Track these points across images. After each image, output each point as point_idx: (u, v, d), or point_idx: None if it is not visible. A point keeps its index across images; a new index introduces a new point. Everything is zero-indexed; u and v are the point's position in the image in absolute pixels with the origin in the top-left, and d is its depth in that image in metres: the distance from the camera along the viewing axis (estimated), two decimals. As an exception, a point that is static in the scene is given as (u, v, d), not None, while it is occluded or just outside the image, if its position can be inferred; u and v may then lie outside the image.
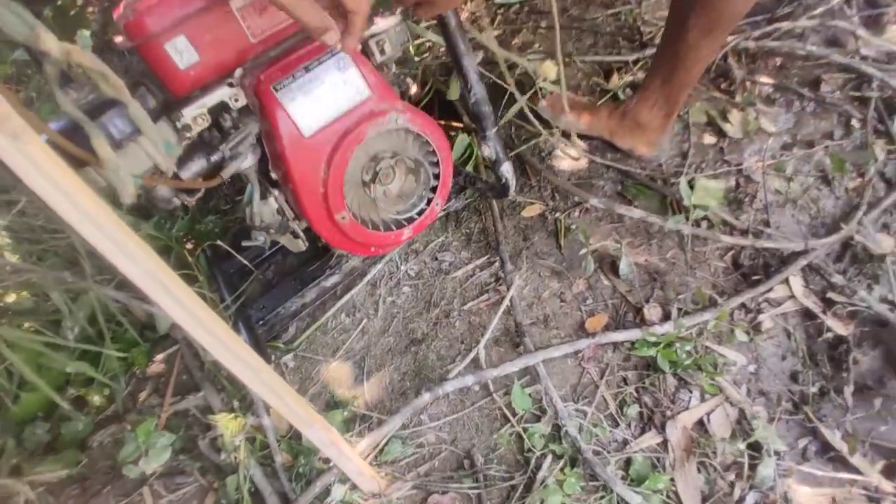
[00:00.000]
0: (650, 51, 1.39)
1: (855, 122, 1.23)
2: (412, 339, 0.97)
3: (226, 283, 1.10)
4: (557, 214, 1.11)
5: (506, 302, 0.96)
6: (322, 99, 0.78)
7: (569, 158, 1.20)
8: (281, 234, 0.89)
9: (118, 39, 0.67)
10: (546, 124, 1.19)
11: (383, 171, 0.84)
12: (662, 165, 1.17)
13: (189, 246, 1.12)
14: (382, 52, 0.82)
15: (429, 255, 1.08)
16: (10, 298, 0.99)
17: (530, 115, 1.09)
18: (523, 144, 1.23)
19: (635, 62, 1.39)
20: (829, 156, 1.17)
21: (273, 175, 0.87)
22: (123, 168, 0.55)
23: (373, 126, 0.81)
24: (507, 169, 0.91)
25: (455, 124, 1.27)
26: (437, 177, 0.92)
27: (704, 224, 1.08)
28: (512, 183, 0.92)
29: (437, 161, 0.90)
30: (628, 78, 1.37)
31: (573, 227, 1.08)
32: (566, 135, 1.22)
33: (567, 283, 1.01)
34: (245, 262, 1.09)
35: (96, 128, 0.52)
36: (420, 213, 0.92)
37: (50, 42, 0.45)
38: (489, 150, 0.89)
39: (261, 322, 0.98)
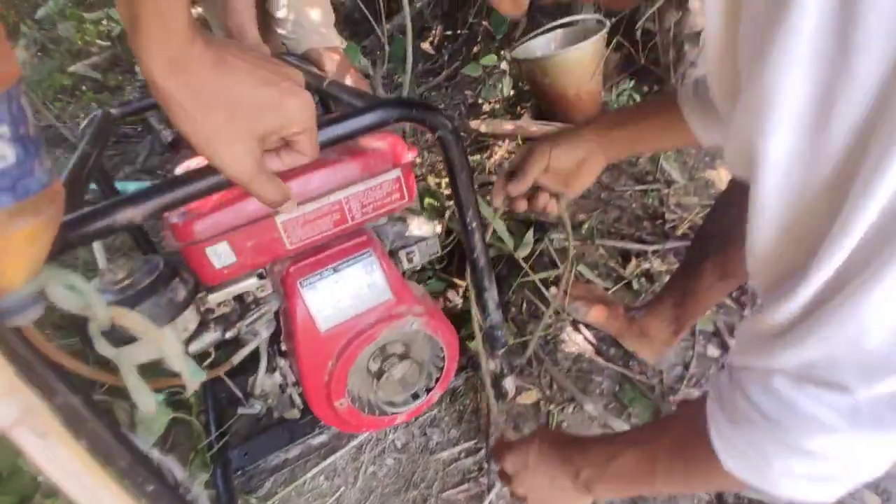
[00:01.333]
0: (671, 243, 1.44)
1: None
2: (385, 522, 0.96)
3: (215, 408, 1.11)
4: (552, 406, 1.12)
5: (486, 502, 0.95)
6: (344, 298, 0.82)
7: (573, 345, 1.23)
8: (279, 405, 0.90)
9: (165, 236, 0.72)
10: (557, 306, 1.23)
11: (389, 368, 0.87)
12: (664, 373, 1.18)
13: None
14: (410, 261, 0.86)
15: (418, 427, 1.09)
16: None
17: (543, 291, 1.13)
18: (530, 320, 1.26)
19: (654, 252, 1.44)
20: None
21: (283, 346, 0.90)
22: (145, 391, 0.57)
23: (388, 328, 0.84)
24: (509, 382, 0.93)
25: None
26: (440, 369, 0.94)
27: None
28: (511, 392, 0.94)
29: (444, 358, 0.93)
30: (645, 266, 1.41)
31: (564, 424, 1.08)
32: (575, 322, 1.25)
33: (549, 490, 1.00)
34: (239, 393, 1.11)
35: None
36: (416, 399, 0.94)
37: (100, 311, 0.49)
38: (495, 365, 0.92)
39: (239, 472, 0.99)
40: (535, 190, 0.82)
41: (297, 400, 0.95)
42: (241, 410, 0.91)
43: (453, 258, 1.41)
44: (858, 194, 0.30)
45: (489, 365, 0.93)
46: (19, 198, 0.39)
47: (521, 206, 0.82)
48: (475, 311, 0.85)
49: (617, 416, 1.09)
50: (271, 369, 0.89)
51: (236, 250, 0.72)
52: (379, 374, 0.87)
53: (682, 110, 0.74)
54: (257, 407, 0.90)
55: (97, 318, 0.49)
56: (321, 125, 0.59)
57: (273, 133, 0.47)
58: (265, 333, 0.85)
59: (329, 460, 1.03)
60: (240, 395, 1.08)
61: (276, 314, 0.87)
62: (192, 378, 0.59)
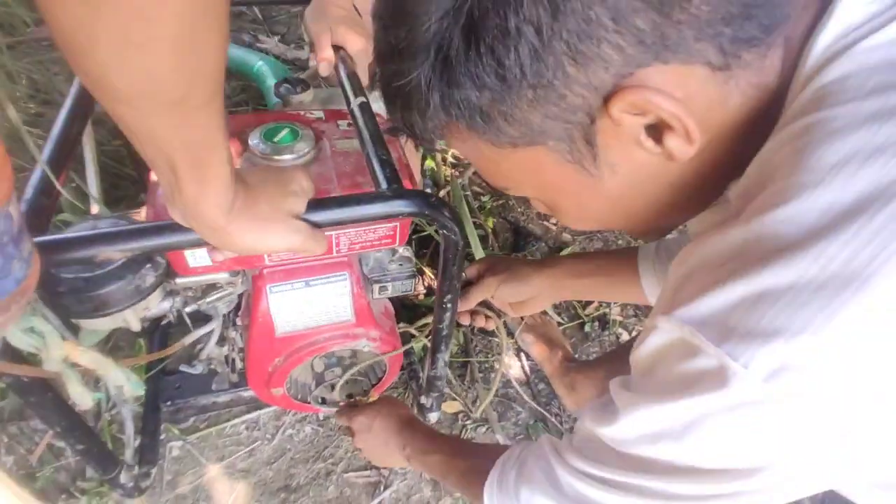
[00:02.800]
0: (634, 296, 1.49)
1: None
2: (287, 486, 1.06)
3: (161, 331, 1.14)
4: (468, 422, 1.21)
5: (379, 498, 1.06)
6: (307, 312, 0.83)
7: (509, 371, 1.30)
8: (220, 378, 0.94)
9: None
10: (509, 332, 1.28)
11: (331, 377, 0.91)
12: (577, 422, 1.28)
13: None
14: (382, 293, 0.87)
15: (344, 406, 1.16)
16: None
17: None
18: (478, 335, 1.32)
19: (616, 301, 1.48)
20: None
21: (238, 321, 0.92)
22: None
23: (341, 345, 0.87)
24: (433, 416, 1.00)
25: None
26: (379, 379, 1.00)
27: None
28: (433, 422, 1.01)
29: (385, 371, 0.98)
30: (604, 310, 1.46)
31: (474, 441, 1.18)
32: (520, 349, 1.31)
33: (437, 497, 1.12)
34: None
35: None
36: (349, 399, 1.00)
37: (55, 351, 0.50)
38: (427, 400, 0.97)
39: (169, 402, 1.05)
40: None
41: (239, 364, 0.99)
42: (182, 368, 0.95)
43: (429, 245, 1.42)
44: None
45: (421, 398, 0.99)
46: (-4, 299, 0.38)
47: (465, 319, 0.96)
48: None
49: (521, 450, 1.19)
50: (221, 340, 0.91)
51: (214, 258, 0.71)
52: (320, 378, 0.91)
53: (639, 269, 0.77)
54: (199, 368, 0.94)
55: (52, 357, 0.50)
56: (330, 204, 0.58)
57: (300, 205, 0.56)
58: (224, 311, 0.87)
59: (254, 414, 1.10)
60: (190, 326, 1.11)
61: (240, 295, 0.88)
62: (133, 390, 0.62)
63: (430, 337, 0.84)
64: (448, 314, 0.76)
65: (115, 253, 0.52)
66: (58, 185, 0.56)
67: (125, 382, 0.60)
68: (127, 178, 1.54)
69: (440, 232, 0.65)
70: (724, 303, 0.31)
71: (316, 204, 0.57)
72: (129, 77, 0.32)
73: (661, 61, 0.32)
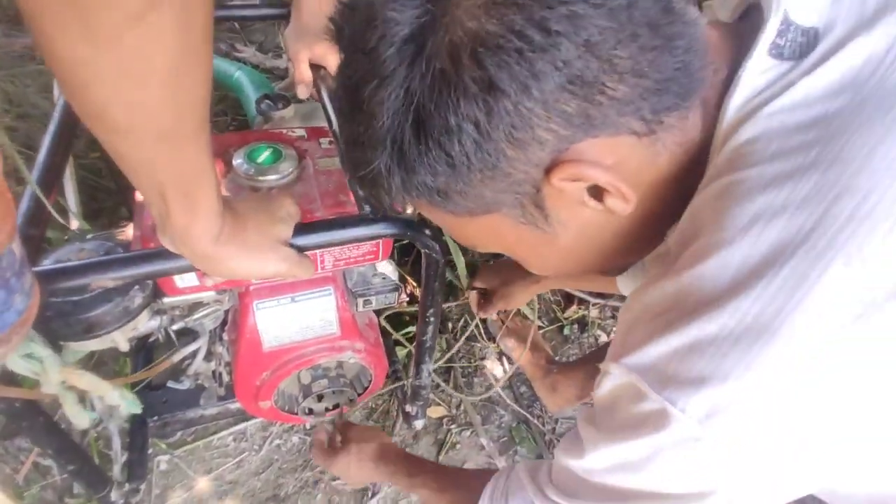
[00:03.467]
0: (613, 301, 1.53)
1: None
2: (275, 495, 1.07)
3: (147, 346, 1.15)
4: (453, 426, 1.24)
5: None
6: (293, 326, 0.85)
7: (492, 375, 1.33)
8: (207, 394, 0.96)
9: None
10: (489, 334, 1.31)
11: (318, 389, 0.93)
12: (557, 423, 1.32)
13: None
14: (366, 306, 0.90)
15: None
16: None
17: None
18: (459, 339, 1.35)
19: (595, 303, 1.53)
20: None
21: (225, 335, 0.94)
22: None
23: (327, 358, 0.89)
24: (419, 423, 1.03)
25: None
26: (364, 388, 1.02)
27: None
28: (418, 429, 1.04)
29: (370, 380, 1.00)
30: (583, 312, 1.50)
31: (458, 446, 1.21)
32: (502, 353, 1.34)
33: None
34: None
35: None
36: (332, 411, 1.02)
37: (53, 375, 0.51)
38: (411, 409, 1.00)
39: (155, 417, 1.05)
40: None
41: (226, 378, 1.00)
42: (170, 384, 0.96)
43: (411, 253, 1.44)
44: None
45: (406, 406, 1.01)
46: (-2, 333, 0.40)
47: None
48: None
49: (503, 452, 1.23)
50: (208, 356, 0.93)
51: (202, 279, 0.73)
52: (307, 390, 0.93)
53: None
54: (186, 384, 0.95)
55: (51, 381, 0.51)
56: (316, 228, 0.60)
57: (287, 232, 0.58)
58: (211, 326, 0.88)
59: (241, 426, 1.11)
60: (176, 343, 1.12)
61: (226, 311, 0.89)
62: (129, 409, 0.63)
63: (414, 345, 0.87)
64: (431, 327, 0.79)
65: (109, 281, 0.53)
66: (50, 208, 0.57)
67: (122, 402, 0.61)
68: (104, 189, 1.54)
69: (423, 251, 0.68)
70: (662, 352, 0.36)
71: (302, 228, 0.59)
72: (126, 110, 0.34)
73: (591, 136, 0.36)
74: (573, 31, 0.32)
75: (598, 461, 0.41)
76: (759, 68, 0.37)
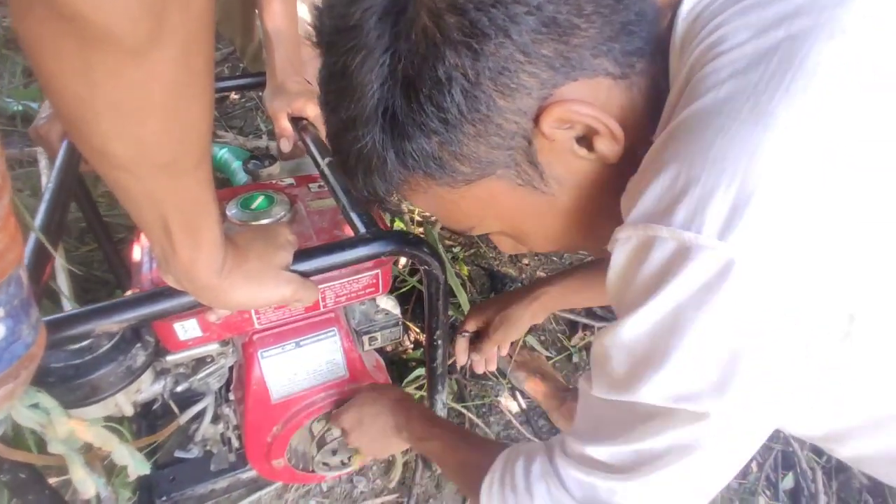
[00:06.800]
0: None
1: (754, 465, 1.38)
2: (298, 567, 1.01)
3: (149, 426, 1.11)
4: (476, 470, 1.18)
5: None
6: (300, 373, 0.83)
7: (508, 410, 1.29)
8: (217, 457, 0.92)
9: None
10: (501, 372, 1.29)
11: (330, 439, 0.90)
12: (582, 453, 1.27)
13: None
14: (371, 344, 0.89)
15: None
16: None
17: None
18: (472, 378, 1.32)
19: (599, 328, 1.52)
20: (721, 494, 1.31)
21: (231, 394, 0.91)
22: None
23: (338, 402, 0.87)
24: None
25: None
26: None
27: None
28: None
29: (384, 426, 0.97)
30: (590, 339, 1.49)
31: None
32: (514, 388, 1.32)
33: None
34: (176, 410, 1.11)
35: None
36: (348, 466, 0.98)
37: (61, 427, 0.49)
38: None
39: (164, 498, 1.00)
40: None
41: (236, 443, 0.96)
42: (178, 453, 0.92)
43: (410, 300, 1.44)
44: None
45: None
46: (5, 367, 0.39)
47: (479, 367, 0.97)
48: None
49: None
50: (216, 418, 0.90)
51: (204, 327, 0.72)
52: (321, 442, 0.90)
53: None
54: (195, 452, 0.91)
55: (57, 432, 0.50)
56: (315, 253, 0.60)
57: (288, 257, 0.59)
58: (217, 386, 0.86)
59: (255, 496, 1.06)
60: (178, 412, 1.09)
61: (230, 367, 0.88)
62: (137, 469, 0.60)
63: (425, 388, 0.85)
64: (440, 351, 0.78)
65: (113, 325, 0.53)
66: (54, 253, 0.57)
67: (130, 461, 0.58)
68: (97, 280, 1.54)
69: (421, 268, 0.68)
70: (658, 191, 0.34)
71: (302, 254, 0.60)
72: (126, 144, 0.35)
73: (571, 79, 0.39)
74: None
75: (624, 338, 0.37)
76: None
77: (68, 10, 0.27)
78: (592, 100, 0.39)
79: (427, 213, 1.79)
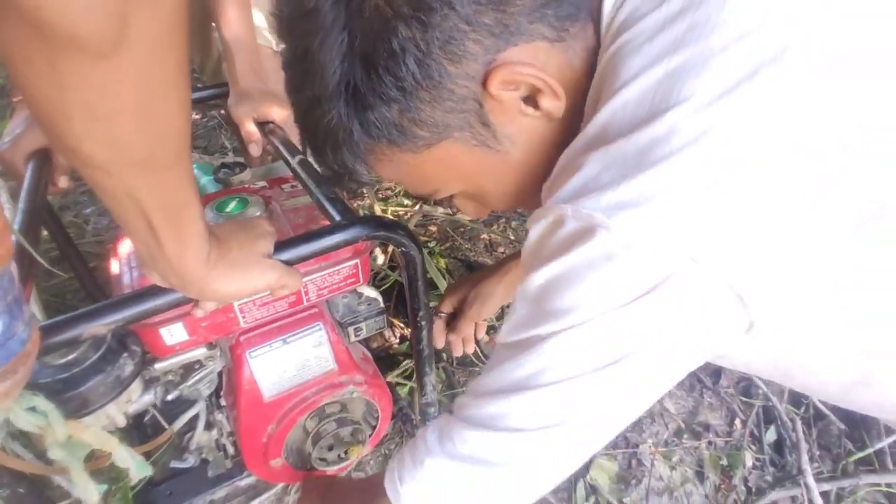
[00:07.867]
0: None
1: (738, 423, 1.43)
2: (304, 567, 1.01)
3: (142, 440, 1.10)
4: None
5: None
6: (290, 369, 0.85)
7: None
8: (213, 464, 0.92)
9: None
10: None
11: (325, 433, 0.91)
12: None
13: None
14: (357, 335, 0.90)
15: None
16: None
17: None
18: (459, 368, 1.34)
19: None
20: (709, 452, 1.35)
21: (223, 400, 0.92)
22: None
23: (329, 396, 0.88)
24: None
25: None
26: (373, 427, 1.00)
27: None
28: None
29: (378, 417, 0.98)
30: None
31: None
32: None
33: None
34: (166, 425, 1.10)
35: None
36: (346, 460, 0.99)
37: (59, 429, 0.50)
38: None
39: (163, 513, 1.00)
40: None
41: (231, 449, 0.97)
42: (173, 464, 0.92)
43: (392, 296, 1.45)
44: None
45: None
46: (3, 362, 0.40)
47: (457, 349, 0.96)
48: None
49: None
50: (209, 425, 0.90)
51: (190, 330, 0.73)
52: (316, 437, 0.91)
53: None
54: (191, 461, 0.91)
55: (56, 435, 0.50)
56: (296, 242, 0.62)
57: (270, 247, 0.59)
58: (207, 392, 0.87)
59: (255, 501, 1.06)
60: (167, 426, 1.08)
61: (219, 373, 0.88)
62: (139, 472, 0.61)
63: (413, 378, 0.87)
64: (425, 332, 0.80)
65: (101, 328, 0.54)
66: (35, 255, 0.57)
67: (131, 462, 0.59)
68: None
69: (398, 251, 0.70)
70: (580, 179, 0.39)
71: (282, 245, 0.61)
72: (100, 145, 0.35)
73: (512, 44, 0.43)
74: None
75: (530, 290, 0.42)
76: None
77: (34, 16, 0.27)
78: (532, 61, 0.43)
79: (400, 210, 1.81)
